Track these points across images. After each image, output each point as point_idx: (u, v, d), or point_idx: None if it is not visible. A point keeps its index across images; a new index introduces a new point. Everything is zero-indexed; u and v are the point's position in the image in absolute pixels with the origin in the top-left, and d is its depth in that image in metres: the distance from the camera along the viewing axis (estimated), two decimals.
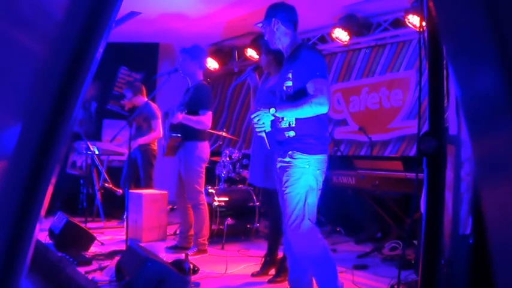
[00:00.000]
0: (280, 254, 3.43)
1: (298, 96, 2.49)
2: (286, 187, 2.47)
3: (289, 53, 2.65)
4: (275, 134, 2.64)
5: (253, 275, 3.38)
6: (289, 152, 2.49)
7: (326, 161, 2.55)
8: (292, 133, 2.53)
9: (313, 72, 2.45)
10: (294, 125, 2.53)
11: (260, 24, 2.70)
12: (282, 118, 2.56)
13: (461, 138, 1.33)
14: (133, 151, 5.25)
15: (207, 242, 4.07)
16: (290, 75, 2.54)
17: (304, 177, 2.44)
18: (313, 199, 2.50)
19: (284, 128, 2.57)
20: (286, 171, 2.50)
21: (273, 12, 2.65)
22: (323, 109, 2.41)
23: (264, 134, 2.52)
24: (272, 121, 2.54)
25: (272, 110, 2.41)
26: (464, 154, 1.30)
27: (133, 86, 5.57)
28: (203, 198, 4.05)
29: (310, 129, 2.50)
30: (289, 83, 2.54)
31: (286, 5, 2.71)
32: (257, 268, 3.45)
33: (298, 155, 2.47)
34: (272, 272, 3.38)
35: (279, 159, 2.59)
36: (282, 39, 2.64)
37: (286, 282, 3.27)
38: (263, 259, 3.46)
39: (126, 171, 5.26)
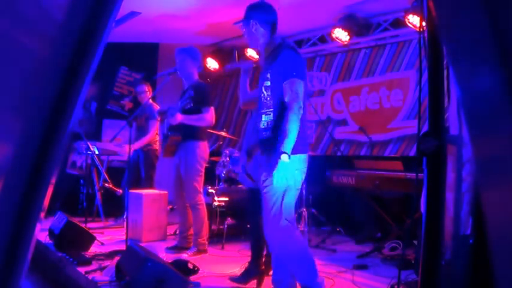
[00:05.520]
0: None
1: (277, 99, 2.48)
2: (265, 186, 2.47)
3: (268, 53, 2.65)
4: (256, 133, 2.65)
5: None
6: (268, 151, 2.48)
7: (306, 161, 2.53)
8: (268, 132, 2.53)
9: (289, 72, 2.45)
10: (271, 125, 2.52)
11: (240, 24, 2.73)
12: (260, 118, 2.58)
13: (462, 138, 1.33)
14: (134, 151, 5.27)
15: (206, 242, 4.07)
16: (269, 75, 2.55)
17: (282, 176, 2.40)
18: (290, 199, 2.47)
19: (263, 128, 2.57)
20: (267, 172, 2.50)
21: (251, 13, 2.66)
22: (301, 111, 2.42)
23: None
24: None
25: (284, 156, 2.33)
26: (466, 154, 1.30)
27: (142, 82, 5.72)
28: (201, 198, 4.05)
29: None
30: (268, 83, 2.55)
31: (264, 6, 2.70)
32: None
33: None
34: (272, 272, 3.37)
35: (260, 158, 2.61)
36: (260, 41, 2.65)
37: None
38: (264, 259, 3.45)
39: (128, 174, 5.27)
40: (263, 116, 2.57)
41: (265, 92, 2.57)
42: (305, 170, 2.54)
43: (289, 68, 2.46)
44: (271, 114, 2.53)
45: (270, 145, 2.50)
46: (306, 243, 2.58)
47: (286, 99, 2.44)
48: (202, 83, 4.06)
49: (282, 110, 2.46)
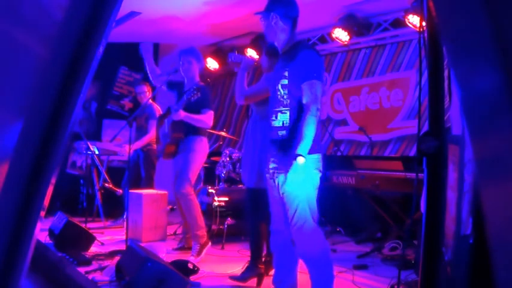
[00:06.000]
0: None
1: (294, 99, 2.47)
2: (285, 189, 2.44)
3: (286, 50, 2.59)
4: (268, 133, 2.62)
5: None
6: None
7: (321, 160, 2.53)
8: (285, 132, 2.50)
9: (310, 73, 2.42)
10: (288, 124, 2.50)
11: (260, 15, 2.63)
12: (276, 116, 2.54)
13: (465, 138, 1.33)
14: (134, 151, 5.27)
15: (205, 232, 4.01)
16: (286, 74, 2.50)
17: (302, 177, 2.40)
18: (312, 198, 2.49)
19: (278, 126, 2.54)
20: (282, 172, 2.48)
21: (273, 6, 2.58)
22: (319, 113, 2.42)
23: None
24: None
25: (300, 159, 2.32)
26: (468, 154, 1.30)
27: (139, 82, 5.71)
28: (192, 190, 3.98)
29: None
30: (285, 81, 2.51)
31: (288, 0, 2.64)
32: None
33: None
34: (272, 272, 3.37)
35: (273, 159, 2.56)
36: (278, 35, 2.58)
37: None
38: (264, 259, 3.46)
39: (128, 174, 5.27)
40: (279, 114, 2.54)
41: (281, 90, 2.52)
42: (321, 169, 2.54)
43: (310, 69, 2.43)
44: (288, 113, 2.51)
45: (287, 145, 2.48)
46: (329, 248, 2.59)
47: (304, 101, 2.43)
48: (204, 86, 4.05)
49: (300, 111, 2.45)
